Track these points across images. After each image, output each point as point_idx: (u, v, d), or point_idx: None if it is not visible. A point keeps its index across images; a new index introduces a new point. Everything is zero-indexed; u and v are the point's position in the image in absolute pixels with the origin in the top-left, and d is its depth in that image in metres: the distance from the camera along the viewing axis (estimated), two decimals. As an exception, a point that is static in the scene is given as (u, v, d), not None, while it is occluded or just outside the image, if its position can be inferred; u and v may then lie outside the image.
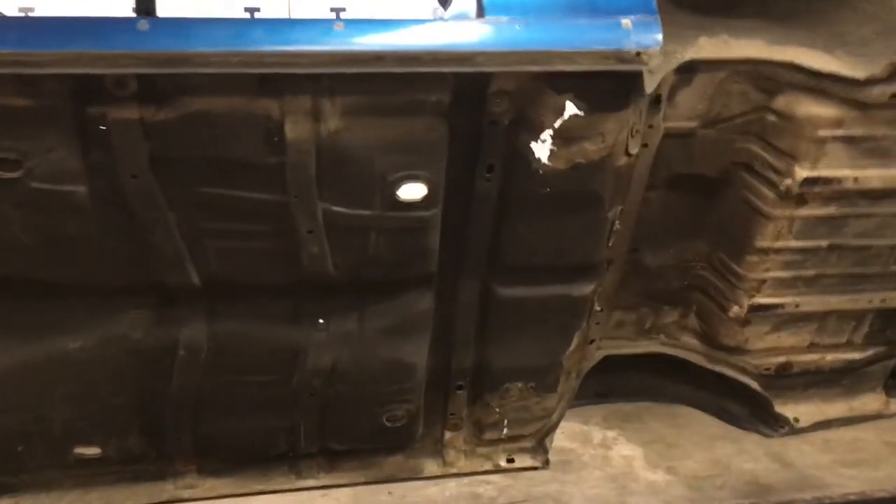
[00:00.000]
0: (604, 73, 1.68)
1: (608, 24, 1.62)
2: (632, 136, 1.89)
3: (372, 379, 2.13)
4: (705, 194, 2.27)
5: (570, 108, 1.76)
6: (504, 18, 1.58)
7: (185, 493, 2.24)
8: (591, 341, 2.46)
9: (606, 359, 2.55)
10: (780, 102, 2.07)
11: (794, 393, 2.66)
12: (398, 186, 1.75)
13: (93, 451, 2.11)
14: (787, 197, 2.16)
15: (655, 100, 1.94)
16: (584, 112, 1.77)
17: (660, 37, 1.65)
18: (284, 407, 2.14)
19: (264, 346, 2.01)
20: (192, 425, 2.12)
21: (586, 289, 2.16)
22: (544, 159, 1.83)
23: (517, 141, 1.81)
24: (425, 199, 1.78)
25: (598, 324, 2.40)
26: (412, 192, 1.75)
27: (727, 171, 2.22)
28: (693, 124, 2.09)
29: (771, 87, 2.05)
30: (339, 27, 1.52)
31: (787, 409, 2.66)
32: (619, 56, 1.63)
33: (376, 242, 1.85)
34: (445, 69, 1.58)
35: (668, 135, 2.04)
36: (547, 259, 2.06)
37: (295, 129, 1.62)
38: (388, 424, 2.24)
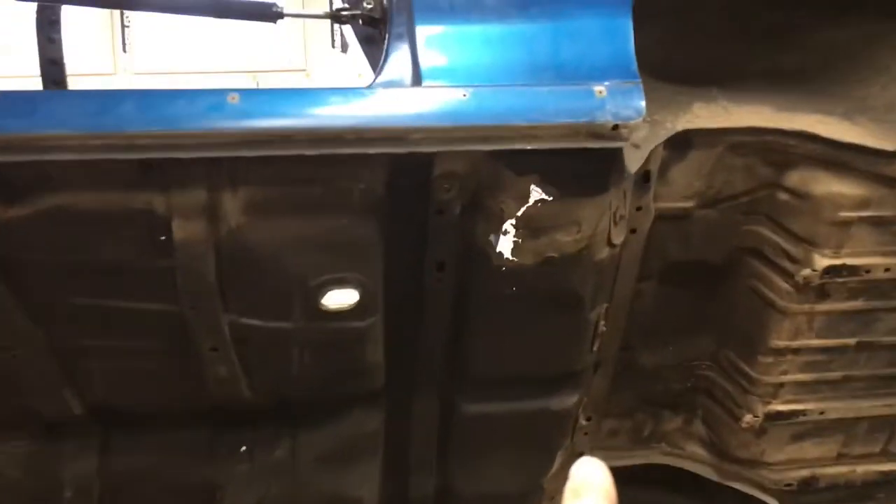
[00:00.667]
0: (575, 151, 1.36)
1: (577, 92, 1.30)
2: (615, 224, 1.55)
3: None
4: (708, 285, 1.93)
5: (536, 194, 1.43)
6: (447, 86, 1.25)
7: None
8: (580, 454, 2.09)
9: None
10: (794, 179, 1.73)
11: (821, 511, 2.28)
12: (322, 293, 1.41)
13: None
14: (805, 289, 1.81)
15: (644, 177, 1.62)
16: (553, 197, 1.44)
17: (642, 105, 1.32)
18: None
19: (172, 483, 1.64)
20: None
21: (568, 401, 1.81)
22: (507, 254, 1.49)
23: (473, 233, 1.48)
24: (359, 306, 1.45)
25: (586, 434, 2.05)
26: (340, 298, 1.41)
27: (733, 258, 1.88)
28: (690, 204, 1.76)
29: (781, 160, 1.72)
30: (233, 99, 1.20)
31: (815, 531, 2.28)
32: (592, 130, 1.30)
33: (301, 359, 1.50)
34: (373, 150, 1.25)
35: (661, 217, 1.71)
36: (519, 369, 1.72)
37: (185, 228, 1.29)
38: None
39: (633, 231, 1.68)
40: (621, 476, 2.13)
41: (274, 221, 1.33)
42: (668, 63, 1.64)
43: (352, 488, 1.77)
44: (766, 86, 1.77)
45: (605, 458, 2.10)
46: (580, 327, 1.66)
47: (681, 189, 1.74)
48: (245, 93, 1.20)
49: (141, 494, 1.66)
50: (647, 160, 1.57)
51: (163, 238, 1.30)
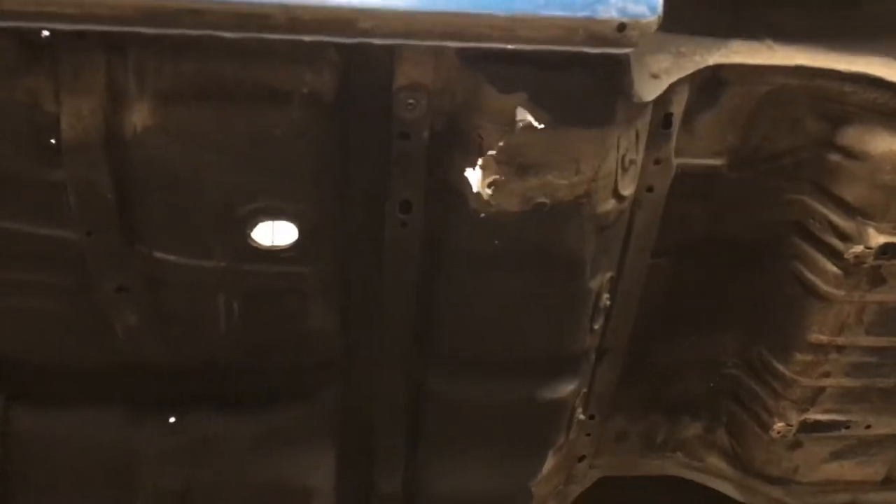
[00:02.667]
0: (571, 63, 1.08)
1: (575, -21, 1.02)
2: (623, 169, 1.28)
3: None
4: (737, 265, 1.63)
5: (523, 116, 1.15)
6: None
7: None
8: (581, 458, 1.82)
9: (603, 482, 1.94)
10: (850, 136, 1.43)
11: (863, 544, 1.97)
12: (252, 225, 1.14)
13: None
14: (855, 271, 1.51)
15: (664, 122, 1.33)
16: (545, 124, 1.16)
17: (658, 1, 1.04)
18: None
19: (84, 456, 1.39)
20: None
21: (563, 390, 1.53)
22: (487, 196, 1.21)
23: (445, 166, 1.21)
24: (299, 246, 1.18)
25: (589, 435, 1.76)
26: (274, 233, 1.14)
27: (769, 233, 1.58)
28: (720, 162, 1.47)
29: (837, 112, 1.42)
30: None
31: (854, 566, 1.99)
32: (591, 29, 1.03)
33: (230, 312, 1.23)
34: (308, 37, 0.98)
35: (684, 175, 1.43)
36: (501, 345, 1.44)
37: (77, 126, 1.03)
38: None
39: (649, 189, 1.40)
40: (629, 487, 1.83)
41: (190, 126, 1.06)
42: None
43: (299, 476, 1.50)
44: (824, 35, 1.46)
45: (610, 466, 1.79)
46: (577, 297, 1.38)
47: (709, 142, 1.45)
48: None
49: (48, 466, 1.40)
50: (669, 99, 1.30)
51: (51, 140, 1.05)
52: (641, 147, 1.31)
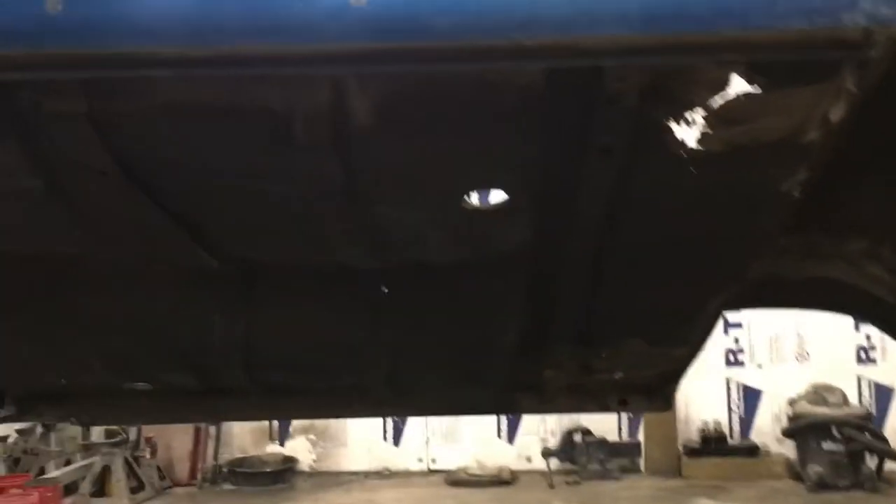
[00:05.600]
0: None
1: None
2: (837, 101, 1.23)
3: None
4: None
5: (738, 84, 1.12)
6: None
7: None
8: None
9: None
10: None
11: None
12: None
13: None
14: None
15: None
16: (762, 87, 1.12)
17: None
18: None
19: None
20: None
21: None
22: (690, 143, 1.23)
23: (649, 118, 1.21)
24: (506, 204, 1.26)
25: None
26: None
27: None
28: None
29: None
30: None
31: None
32: (834, 37, 0.96)
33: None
34: (531, 65, 0.98)
35: None
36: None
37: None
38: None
39: None
40: (785, 291, 1.96)
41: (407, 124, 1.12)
42: None
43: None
44: None
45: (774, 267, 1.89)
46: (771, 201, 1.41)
47: None
48: (372, -10, 0.93)
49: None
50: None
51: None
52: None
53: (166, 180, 1.33)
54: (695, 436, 6.80)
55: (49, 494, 5.79)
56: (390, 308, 1.75)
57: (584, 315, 1.78)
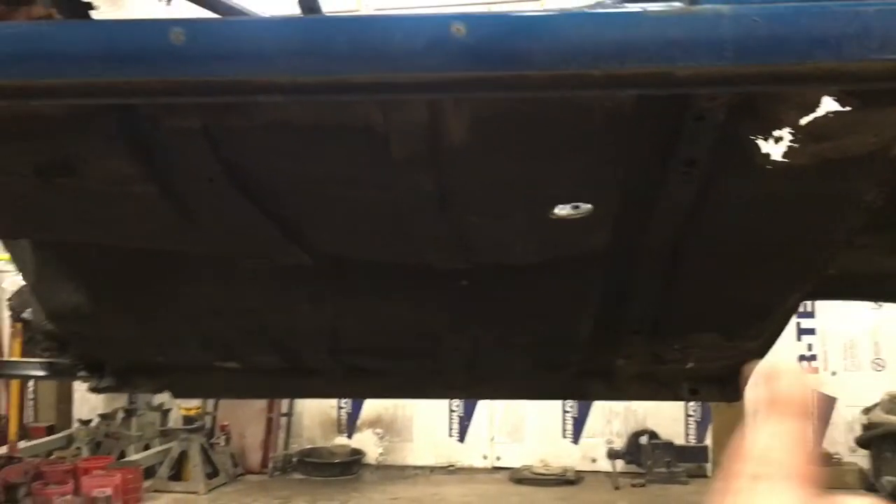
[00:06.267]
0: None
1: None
2: None
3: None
4: None
5: (829, 105, 1.14)
6: (726, 8, 0.96)
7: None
8: None
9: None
10: None
11: None
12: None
13: None
14: None
15: None
16: (853, 107, 1.14)
17: None
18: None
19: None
20: None
21: None
22: (776, 156, 1.25)
23: (735, 134, 1.24)
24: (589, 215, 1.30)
25: None
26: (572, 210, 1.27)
27: None
28: None
29: None
30: (458, 31, 0.99)
31: None
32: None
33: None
34: (625, 91, 1.02)
35: None
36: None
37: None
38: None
39: None
40: (859, 284, 1.94)
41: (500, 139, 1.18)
42: None
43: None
44: None
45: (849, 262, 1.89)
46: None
47: None
48: (473, 20, 0.98)
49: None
50: None
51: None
52: None
53: (268, 186, 1.44)
54: (765, 442, 6.68)
55: (130, 476, 6.04)
56: (471, 301, 1.83)
57: (659, 309, 1.82)
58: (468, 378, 2.29)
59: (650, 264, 1.66)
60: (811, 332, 6.87)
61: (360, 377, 2.33)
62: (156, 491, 6.28)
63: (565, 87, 1.01)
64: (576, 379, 2.21)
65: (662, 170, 1.33)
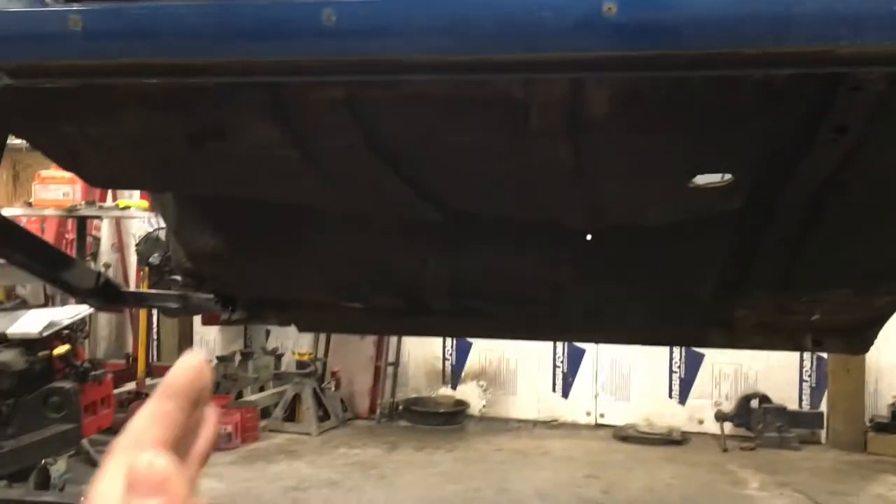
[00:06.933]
0: None
1: None
2: None
3: None
4: None
5: None
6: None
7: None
8: None
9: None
10: None
11: None
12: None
13: None
14: None
15: None
16: None
17: None
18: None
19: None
20: None
21: None
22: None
23: (891, 101, 1.18)
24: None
25: None
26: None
27: None
28: None
29: None
30: (609, 10, 0.97)
31: None
32: None
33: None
34: (777, 70, 0.98)
35: None
36: None
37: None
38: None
39: None
40: None
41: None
42: None
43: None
44: None
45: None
46: None
47: None
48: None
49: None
50: None
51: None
52: None
53: (405, 153, 1.49)
54: (884, 411, 6.42)
55: (248, 415, 6.39)
56: (596, 256, 1.87)
57: (791, 265, 1.79)
58: (584, 324, 2.35)
59: (785, 225, 1.65)
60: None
61: (475, 318, 2.44)
62: (271, 431, 6.61)
63: (719, 66, 0.98)
64: (696, 327, 2.21)
65: (808, 137, 1.28)
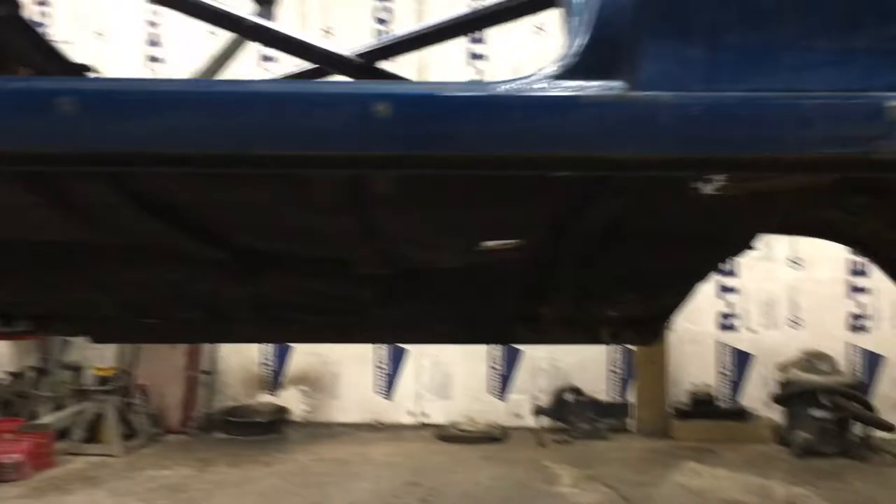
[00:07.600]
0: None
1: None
2: None
3: None
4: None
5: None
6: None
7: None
8: None
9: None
10: None
11: None
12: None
13: None
14: None
15: None
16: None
17: None
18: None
19: None
20: None
21: None
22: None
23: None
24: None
25: None
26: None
27: None
28: None
29: None
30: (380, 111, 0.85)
31: None
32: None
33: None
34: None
35: None
36: None
37: None
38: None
39: None
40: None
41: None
42: None
43: None
44: None
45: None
46: None
47: None
48: (398, 98, 0.83)
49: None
50: None
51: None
52: None
53: (181, 208, 1.37)
54: (685, 398, 6.86)
55: (42, 439, 5.81)
56: (394, 283, 1.88)
57: (585, 276, 1.87)
58: (394, 332, 2.50)
59: (571, 260, 1.73)
60: (731, 290, 7.02)
61: (285, 323, 2.38)
62: (70, 454, 6.07)
63: (493, 168, 0.91)
64: (502, 325, 2.32)
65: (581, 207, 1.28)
